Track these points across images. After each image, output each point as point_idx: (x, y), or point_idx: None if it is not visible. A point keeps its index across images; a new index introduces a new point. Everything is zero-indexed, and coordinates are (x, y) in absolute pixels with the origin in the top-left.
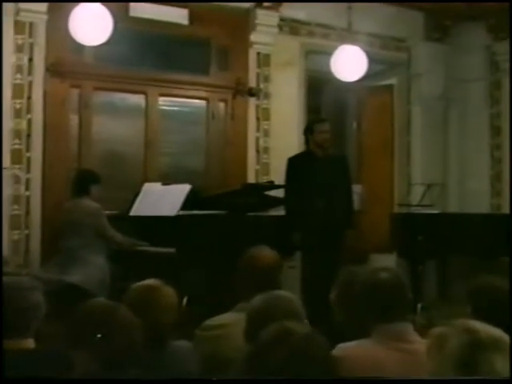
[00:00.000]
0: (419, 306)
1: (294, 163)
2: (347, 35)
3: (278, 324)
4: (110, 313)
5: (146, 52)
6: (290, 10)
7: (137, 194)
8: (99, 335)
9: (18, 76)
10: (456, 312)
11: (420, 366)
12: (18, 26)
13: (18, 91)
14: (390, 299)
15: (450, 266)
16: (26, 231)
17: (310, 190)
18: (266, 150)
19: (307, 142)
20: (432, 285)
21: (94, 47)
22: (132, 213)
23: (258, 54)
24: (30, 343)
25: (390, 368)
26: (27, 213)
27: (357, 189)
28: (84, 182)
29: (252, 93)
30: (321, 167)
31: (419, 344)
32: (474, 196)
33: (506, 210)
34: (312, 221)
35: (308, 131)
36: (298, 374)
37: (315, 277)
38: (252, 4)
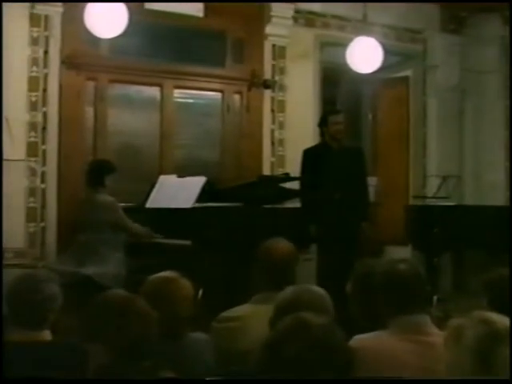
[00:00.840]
0: (435, 298)
1: (309, 155)
2: (363, 27)
3: (294, 315)
4: (125, 304)
5: (161, 44)
6: (305, 2)
7: (152, 186)
8: (114, 326)
9: (34, 69)
10: (472, 304)
11: (437, 359)
12: (34, 19)
13: (33, 84)
14: (408, 291)
15: (465, 258)
16: (42, 224)
17: (326, 181)
18: (282, 142)
19: (322, 133)
20: (447, 277)
21: (109, 39)
22: (148, 205)
23: (274, 46)
24: (47, 335)
25: (406, 360)
26: (43, 205)
27: (372, 181)
28: (98, 172)
29: (267, 85)
30: (336, 159)
31: (437, 336)
32: (489, 188)
33: None
34: (327, 213)
35: (322, 123)
36: (315, 365)
37: (331, 269)
38: None
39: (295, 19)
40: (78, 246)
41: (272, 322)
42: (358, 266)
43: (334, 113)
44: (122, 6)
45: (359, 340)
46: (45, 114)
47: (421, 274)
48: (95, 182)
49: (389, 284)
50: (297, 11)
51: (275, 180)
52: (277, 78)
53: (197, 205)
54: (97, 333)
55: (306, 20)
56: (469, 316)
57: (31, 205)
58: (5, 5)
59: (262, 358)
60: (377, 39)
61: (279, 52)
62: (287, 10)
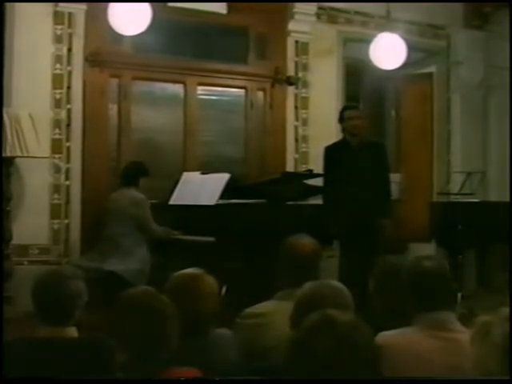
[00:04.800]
0: (459, 295)
1: (329, 152)
2: (386, 23)
3: (320, 312)
4: (147, 300)
5: (185, 41)
6: (329, 3)
7: (176, 183)
8: (135, 323)
9: (58, 66)
10: (496, 301)
11: (462, 356)
12: (57, 17)
13: (57, 81)
14: (435, 288)
15: (489, 255)
16: (66, 220)
17: (346, 178)
18: (305, 138)
19: (343, 130)
20: (472, 274)
21: (132, 37)
22: (171, 202)
23: (297, 42)
24: (73, 332)
25: (432, 357)
26: (67, 202)
27: (396, 178)
28: (134, 173)
29: (290, 81)
30: (356, 155)
31: (462, 333)
32: None
33: None
34: (348, 210)
35: (340, 119)
36: (343, 362)
37: (352, 266)
38: None
39: (318, 15)
40: (103, 241)
41: (293, 318)
42: (380, 263)
43: (349, 108)
44: (145, 3)
45: (385, 337)
46: (69, 112)
47: (447, 271)
48: (130, 182)
49: (416, 281)
50: (320, 7)
51: (298, 177)
52: (300, 74)
53: (220, 201)
54: (119, 330)
55: (329, 16)
56: (496, 313)
57: (55, 201)
58: (28, 3)
59: (288, 356)
60: (400, 35)
61: (302, 48)
62: (310, 6)
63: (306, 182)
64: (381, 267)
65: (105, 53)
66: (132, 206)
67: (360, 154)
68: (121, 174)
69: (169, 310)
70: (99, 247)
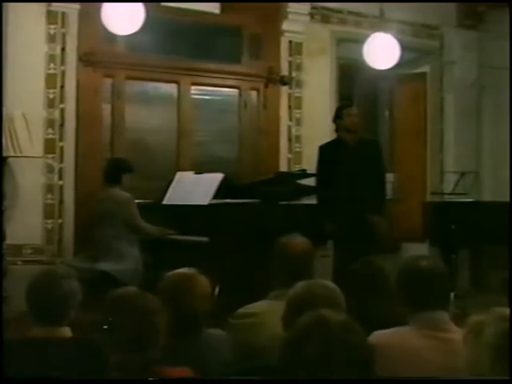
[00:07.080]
0: (452, 294)
1: (324, 151)
2: (379, 23)
3: (313, 312)
4: (133, 301)
5: (178, 41)
6: (324, 3)
7: (170, 183)
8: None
9: (51, 66)
10: (489, 301)
11: (456, 355)
12: (51, 16)
13: (50, 81)
14: (430, 287)
15: (483, 254)
16: (60, 220)
17: (341, 177)
18: (299, 138)
19: (337, 129)
20: (465, 274)
21: (126, 36)
22: (165, 202)
23: (290, 42)
24: (67, 331)
25: (426, 356)
26: (60, 202)
27: (389, 177)
28: (115, 170)
29: (284, 81)
30: (351, 154)
31: (455, 333)
32: (507, 184)
33: None
34: (342, 209)
35: (336, 117)
36: (337, 363)
37: (346, 266)
38: None
39: (311, 15)
40: (95, 242)
41: (285, 318)
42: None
43: (347, 106)
44: (138, 2)
45: (379, 336)
46: (62, 111)
47: (442, 270)
48: (112, 179)
49: (412, 280)
50: (313, 7)
51: (292, 176)
52: (293, 74)
53: (214, 201)
54: (108, 329)
55: (323, 16)
56: (488, 313)
57: (49, 201)
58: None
59: (282, 357)
60: (393, 35)
61: (296, 48)
62: (304, 6)
63: (299, 181)
64: (373, 267)
65: (98, 52)
66: (118, 206)
67: (355, 153)
68: (103, 171)
69: (153, 306)
70: (92, 250)
